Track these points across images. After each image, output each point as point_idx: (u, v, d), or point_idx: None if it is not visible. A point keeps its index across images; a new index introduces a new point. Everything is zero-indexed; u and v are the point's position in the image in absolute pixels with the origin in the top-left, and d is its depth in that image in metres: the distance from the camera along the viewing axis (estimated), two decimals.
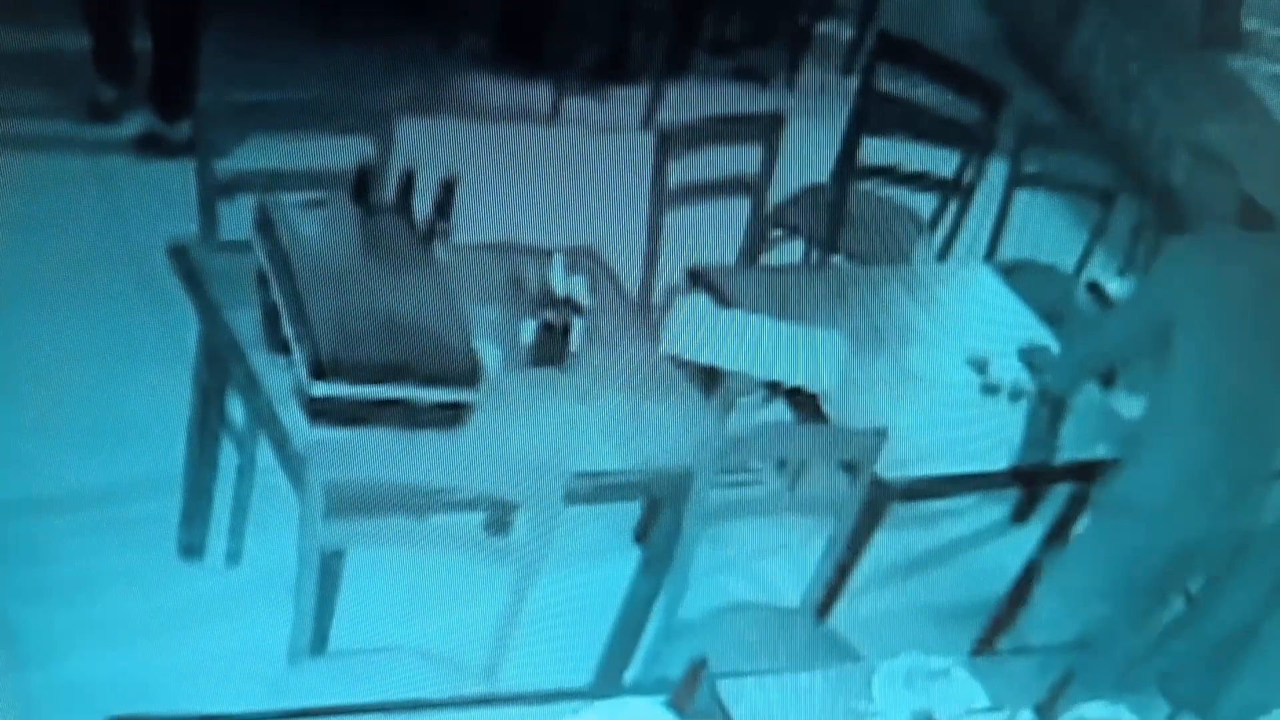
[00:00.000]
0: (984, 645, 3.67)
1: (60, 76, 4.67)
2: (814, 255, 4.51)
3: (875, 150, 4.47)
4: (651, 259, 3.78)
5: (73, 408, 3.55)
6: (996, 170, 4.50)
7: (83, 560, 3.23)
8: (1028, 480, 3.85)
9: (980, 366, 3.54)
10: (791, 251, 4.51)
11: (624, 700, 2.42)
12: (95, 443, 3.49)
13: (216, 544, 3.36)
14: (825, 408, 3.25)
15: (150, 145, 4.52)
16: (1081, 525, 3.66)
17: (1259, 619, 3.02)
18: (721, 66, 6.04)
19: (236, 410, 3.15)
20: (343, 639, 2.76)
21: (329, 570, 2.67)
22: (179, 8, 4.40)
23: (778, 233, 4.42)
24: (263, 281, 2.81)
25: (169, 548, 3.34)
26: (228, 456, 3.26)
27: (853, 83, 5.02)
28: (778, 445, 3.18)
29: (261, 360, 2.77)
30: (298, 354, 2.69)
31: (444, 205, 3.04)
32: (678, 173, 3.77)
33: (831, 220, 4.44)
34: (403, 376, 2.71)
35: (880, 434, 2.97)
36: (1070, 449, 3.46)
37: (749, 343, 3.32)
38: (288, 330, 2.72)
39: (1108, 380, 3.61)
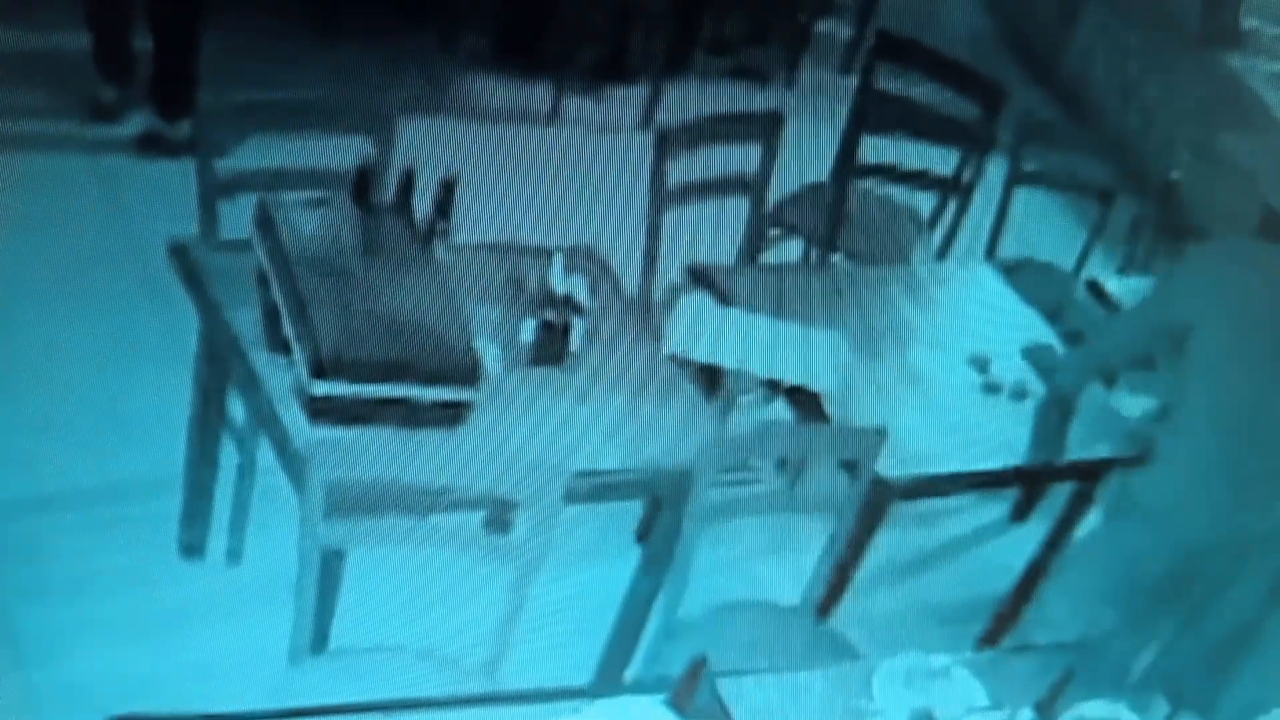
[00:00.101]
0: (987, 644, 3.67)
1: (61, 76, 4.67)
2: (813, 254, 4.51)
3: (874, 149, 4.47)
4: (651, 258, 3.78)
5: (73, 407, 3.55)
6: (996, 169, 4.50)
7: (83, 559, 3.23)
8: (1030, 479, 3.86)
9: (982, 366, 3.55)
10: (790, 250, 4.51)
11: (624, 699, 2.42)
12: (96, 442, 3.49)
13: (217, 543, 3.36)
14: (827, 408, 3.25)
15: (151, 145, 4.52)
16: (1087, 526, 3.67)
17: (1259, 619, 3.02)
18: (720, 66, 6.04)
19: (237, 409, 3.15)
20: (343, 638, 2.77)
21: (329, 569, 2.67)
22: (179, 7, 4.41)
23: (776, 232, 4.43)
24: (263, 281, 2.81)
25: (169, 547, 3.34)
26: (228, 456, 3.26)
27: (852, 82, 5.01)
28: (778, 445, 3.18)
29: (262, 359, 2.77)
30: (298, 353, 2.69)
31: (444, 205, 3.05)
32: (677, 172, 3.77)
33: (831, 219, 4.44)
34: (403, 376, 2.71)
35: (880, 433, 2.97)
36: (1074, 448, 3.47)
37: (751, 342, 3.32)
38: (288, 329, 2.72)
39: (1109, 380, 3.61)
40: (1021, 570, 3.77)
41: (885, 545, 3.26)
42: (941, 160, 4.51)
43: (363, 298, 2.77)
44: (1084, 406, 3.51)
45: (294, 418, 2.67)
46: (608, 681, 3.08)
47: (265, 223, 2.84)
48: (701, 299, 3.44)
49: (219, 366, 3.05)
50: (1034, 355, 3.63)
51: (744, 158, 4.01)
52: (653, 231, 3.78)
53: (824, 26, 6.45)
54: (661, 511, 3.00)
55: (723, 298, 3.47)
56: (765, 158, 4.02)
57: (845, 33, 6.46)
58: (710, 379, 3.30)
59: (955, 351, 3.58)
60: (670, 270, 3.71)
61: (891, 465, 3.05)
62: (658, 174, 3.74)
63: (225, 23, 4.51)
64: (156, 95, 4.51)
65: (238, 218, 3.03)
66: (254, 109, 3.28)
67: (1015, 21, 7.14)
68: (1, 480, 3.31)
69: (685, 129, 3.82)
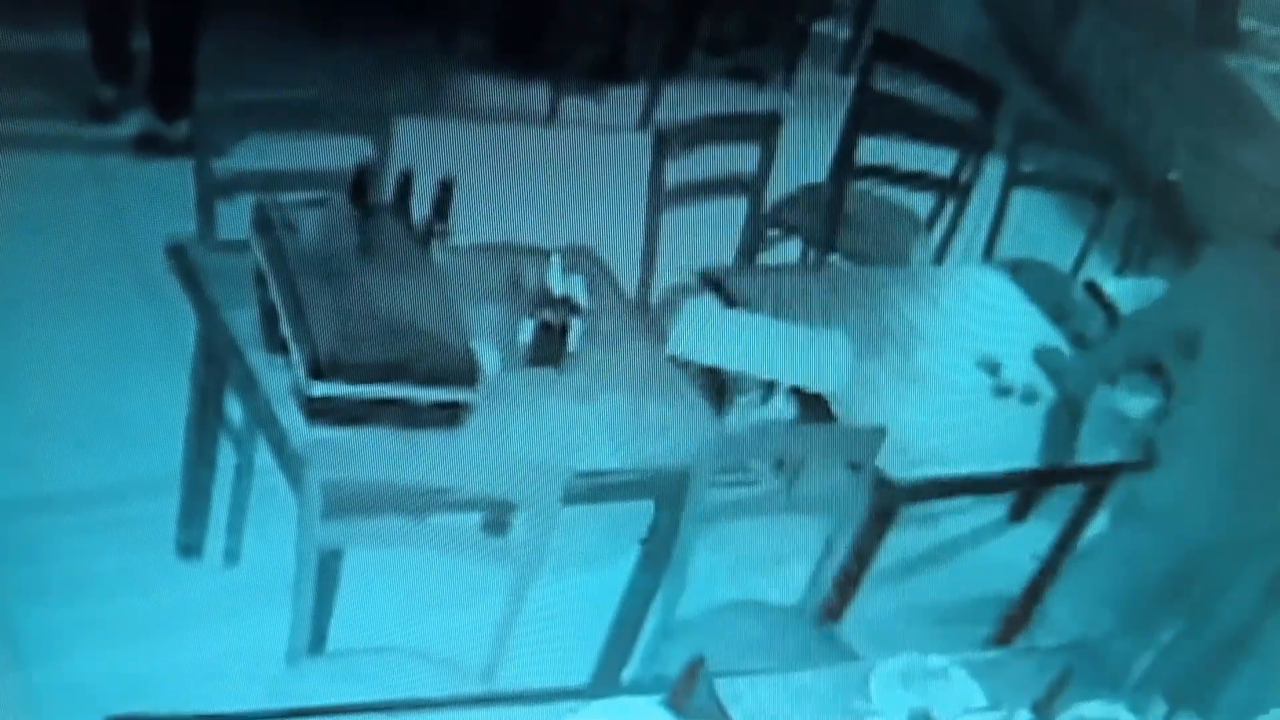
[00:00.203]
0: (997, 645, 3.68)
1: (60, 76, 4.67)
2: (811, 255, 4.51)
3: (872, 149, 4.47)
4: (649, 259, 3.78)
5: (71, 407, 3.55)
6: (994, 169, 4.50)
7: (82, 560, 3.23)
8: (1041, 483, 3.86)
9: (992, 368, 3.54)
10: (789, 251, 4.51)
11: (622, 699, 2.42)
12: (94, 442, 3.49)
13: (215, 544, 3.36)
14: (834, 408, 3.25)
15: (149, 145, 4.52)
16: (1095, 528, 3.68)
17: (1258, 619, 3.03)
18: (719, 66, 6.04)
19: (235, 410, 3.15)
20: (341, 639, 2.76)
21: (327, 570, 2.67)
22: (178, 8, 4.41)
23: (775, 232, 4.43)
24: (261, 281, 2.81)
25: (167, 547, 3.34)
26: (226, 456, 3.26)
27: (850, 82, 5.02)
28: (776, 445, 3.18)
29: (260, 360, 2.77)
30: (296, 354, 2.69)
31: (442, 205, 3.05)
32: (675, 172, 3.77)
33: (829, 220, 4.44)
34: (401, 376, 2.71)
35: (880, 432, 2.97)
36: (1083, 452, 3.47)
37: (758, 345, 3.32)
38: (286, 330, 2.72)
39: (1110, 380, 3.62)
40: (1031, 573, 3.77)
41: (884, 546, 3.26)
42: (939, 161, 4.51)
43: (361, 298, 2.77)
44: (1093, 410, 3.51)
45: (292, 418, 2.67)
46: (605, 682, 3.08)
47: (263, 223, 2.84)
48: (707, 301, 3.44)
49: (217, 367, 3.05)
50: (1043, 358, 3.63)
51: (742, 158, 4.01)
52: (651, 232, 3.78)
53: (822, 27, 6.45)
54: (660, 512, 3.00)
55: (730, 301, 3.47)
56: (763, 158, 4.03)
57: (843, 33, 6.46)
58: (709, 379, 3.29)
59: (965, 354, 3.58)
60: (669, 270, 3.71)
61: (902, 467, 3.04)
62: (656, 174, 3.74)
63: (224, 23, 4.52)
64: (155, 95, 4.51)
65: (236, 218, 3.03)
66: (252, 109, 3.28)
67: (1013, 22, 7.14)
68: (1, 480, 3.31)
69: (684, 129, 3.82)
